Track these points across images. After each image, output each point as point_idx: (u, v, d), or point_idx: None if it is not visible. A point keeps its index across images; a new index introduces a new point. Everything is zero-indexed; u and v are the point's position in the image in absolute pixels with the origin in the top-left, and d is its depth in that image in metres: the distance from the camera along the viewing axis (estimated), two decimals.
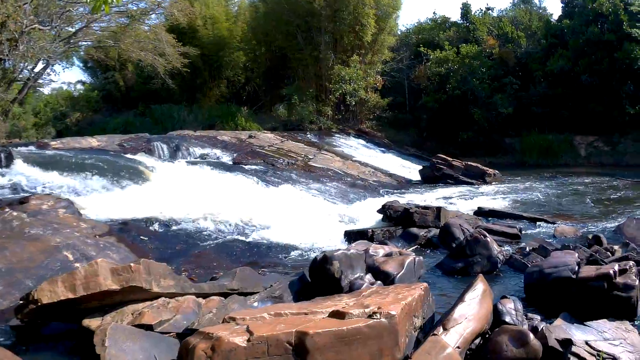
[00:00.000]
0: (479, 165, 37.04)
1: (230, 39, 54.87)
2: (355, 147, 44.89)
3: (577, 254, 13.41)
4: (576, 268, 11.95)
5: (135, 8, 40.74)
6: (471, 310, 9.09)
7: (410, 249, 16.37)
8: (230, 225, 18.38)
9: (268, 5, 52.33)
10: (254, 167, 28.40)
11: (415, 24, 73.60)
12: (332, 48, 51.18)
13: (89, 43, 43.65)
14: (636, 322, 10.75)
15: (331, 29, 50.06)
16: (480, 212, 22.86)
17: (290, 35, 50.85)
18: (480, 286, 9.87)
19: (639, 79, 50.86)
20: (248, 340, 6.73)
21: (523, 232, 19.32)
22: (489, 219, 21.97)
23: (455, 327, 8.55)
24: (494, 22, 65.14)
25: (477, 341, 9.13)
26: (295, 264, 15.39)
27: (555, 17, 65.04)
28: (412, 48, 63.34)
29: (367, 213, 22.10)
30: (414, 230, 18.44)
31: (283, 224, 18.86)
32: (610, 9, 51.83)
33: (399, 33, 67.08)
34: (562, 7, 59.41)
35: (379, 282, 11.58)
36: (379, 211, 20.62)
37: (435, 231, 18.33)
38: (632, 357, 8.89)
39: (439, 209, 20.04)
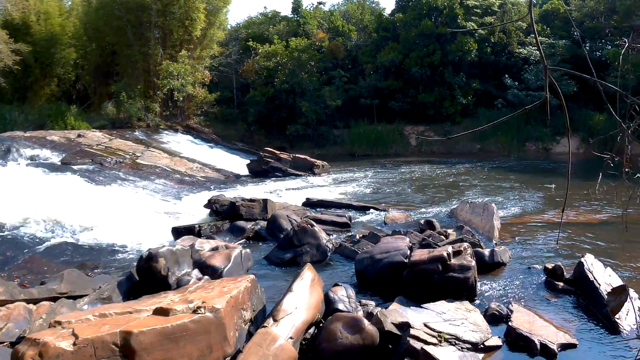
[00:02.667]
0: (307, 158, 37.31)
1: (62, 35, 52.65)
2: (183, 144, 44.08)
3: (408, 239, 13.53)
4: (408, 252, 12.05)
5: None
6: (301, 300, 8.90)
7: (238, 243, 16.11)
8: (59, 227, 17.51)
9: None
10: (82, 166, 27.27)
11: (246, 19, 74.00)
12: (161, 43, 50.18)
13: None
14: (477, 302, 10.89)
15: (161, 23, 49.24)
16: (309, 203, 22.96)
17: (121, 30, 49.19)
18: (308, 274, 9.69)
19: (472, 70, 53.16)
20: (74, 344, 6.37)
21: (353, 220, 19.49)
22: (318, 209, 22.06)
23: (286, 317, 8.32)
24: (325, 16, 66.19)
25: (311, 331, 8.98)
26: (124, 263, 14.89)
27: (388, 11, 66.62)
28: (241, 42, 63.41)
29: (194, 209, 21.78)
30: (242, 223, 18.29)
31: (112, 224, 18.18)
32: (445, 3, 53.81)
33: (229, 28, 67.24)
34: (396, 1, 60.91)
35: (206, 277, 11.27)
36: (206, 206, 20.41)
37: (262, 223, 18.28)
38: (476, 335, 8.90)
39: (265, 200, 20.06)
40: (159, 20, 48.70)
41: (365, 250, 13.32)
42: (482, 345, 8.81)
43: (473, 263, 11.12)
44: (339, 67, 56.60)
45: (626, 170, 4.35)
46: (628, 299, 9.92)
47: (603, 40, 53.30)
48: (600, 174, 4.80)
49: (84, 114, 48.28)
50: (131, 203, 22.33)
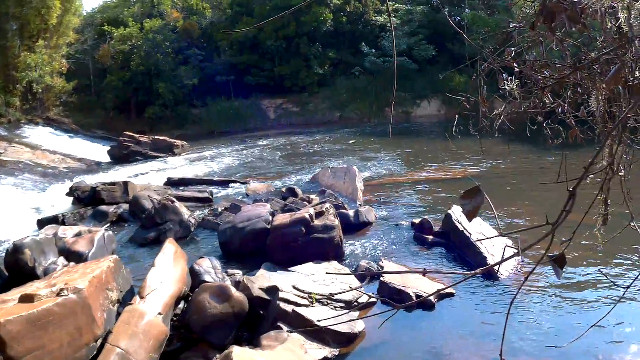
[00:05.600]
0: (166, 139, 37.44)
1: None
2: (44, 136, 43.18)
3: (269, 205, 13.62)
4: (270, 218, 12.09)
5: None
6: (165, 274, 8.72)
7: (103, 228, 16.09)
8: None
9: None
10: None
11: (101, 3, 72.57)
12: (19, 35, 48.92)
13: None
14: (347, 262, 10.95)
15: (18, 14, 47.37)
16: (171, 182, 23.10)
17: None
18: (169, 248, 9.52)
19: (328, 40, 53.49)
20: None
21: (215, 195, 19.76)
22: (180, 187, 22.08)
23: (152, 293, 8.15)
24: None
25: (181, 305, 8.90)
26: None
27: None
28: (96, 28, 61.67)
29: (58, 199, 21.36)
30: (104, 208, 18.15)
31: None
32: None
33: (84, 13, 65.43)
34: None
35: (72, 263, 10.90)
36: (68, 194, 20.25)
37: (125, 206, 18.19)
38: (349, 294, 8.87)
39: (125, 183, 19.93)
40: (16, 11, 47.29)
41: (227, 221, 13.38)
42: (355, 303, 8.83)
43: (337, 222, 11.24)
44: (194, 46, 56.14)
45: (483, 110, 4.46)
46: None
47: (462, 5, 54.17)
48: (456, 115, 4.93)
49: None
50: None
